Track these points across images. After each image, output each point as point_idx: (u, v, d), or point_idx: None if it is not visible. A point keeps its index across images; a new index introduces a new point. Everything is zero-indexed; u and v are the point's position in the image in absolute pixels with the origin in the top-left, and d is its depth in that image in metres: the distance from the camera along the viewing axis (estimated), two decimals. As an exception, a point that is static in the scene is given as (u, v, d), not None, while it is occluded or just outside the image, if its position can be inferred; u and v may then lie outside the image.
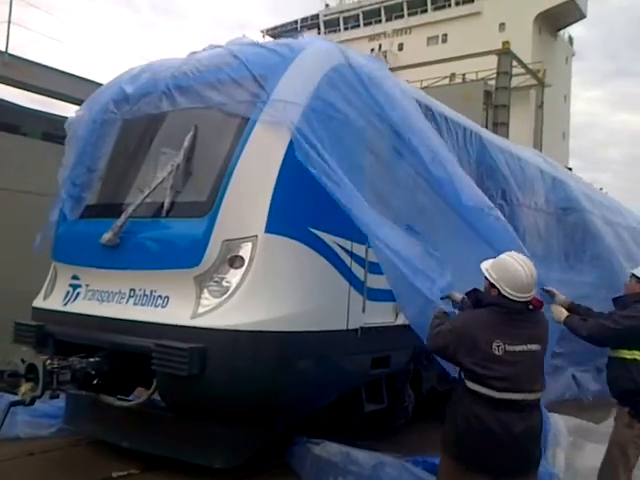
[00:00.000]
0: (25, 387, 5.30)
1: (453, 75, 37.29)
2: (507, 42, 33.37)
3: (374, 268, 6.27)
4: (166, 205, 5.78)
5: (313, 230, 5.65)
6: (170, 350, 5.13)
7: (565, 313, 4.87)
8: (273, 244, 5.43)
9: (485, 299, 4.00)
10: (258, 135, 5.58)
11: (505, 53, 33.24)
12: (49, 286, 6.72)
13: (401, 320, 6.68)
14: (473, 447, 3.75)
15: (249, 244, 5.39)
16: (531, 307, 3.97)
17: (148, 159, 6.49)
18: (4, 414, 5.38)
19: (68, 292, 6.34)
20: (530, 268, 3.95)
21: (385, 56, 44.20)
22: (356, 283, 6.05)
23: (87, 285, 6.20)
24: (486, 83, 34.01)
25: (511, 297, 3.84)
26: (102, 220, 6.23)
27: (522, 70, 36.50)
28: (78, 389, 5.69)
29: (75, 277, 6.33)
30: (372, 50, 46.69)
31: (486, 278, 4.03)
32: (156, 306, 5.62)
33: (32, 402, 5.34)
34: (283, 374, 5.42)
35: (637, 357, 4.66)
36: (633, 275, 5.10)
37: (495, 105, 32.33)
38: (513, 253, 4.12)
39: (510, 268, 3.94)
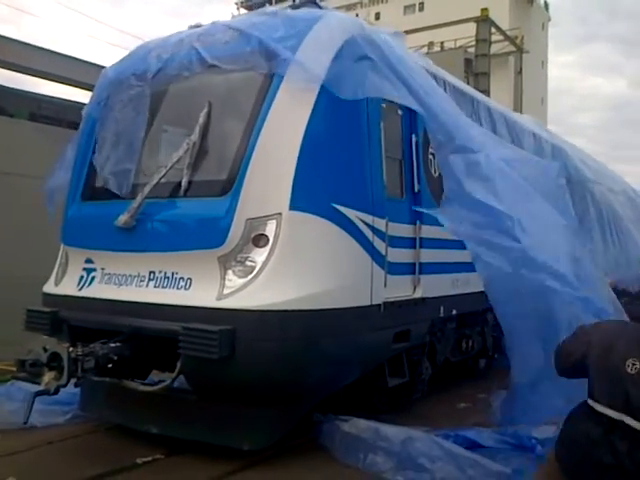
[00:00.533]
0: (48, 376, 5.15)
1: (431, 44, 36.92)
2: (486, 9, 33.19)
3: (394, 242, 6.22)
4: (184, 184, 5.63)
5: (336, 205, 5.53)
6: (199, 333, 5.02)
7: None
8: (297, 221, 5.31)
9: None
10: (277, 110, 5.43)
11: (484, 20, 33.06)
12: (59, 271, 6.54)
13: (419, 293, 6.66)
14: (575, 463, 3.49)
15: (273, 222, 5.27)
16: None
17: (160, 137, 6.32)
18: (30, 405, 5.25)
19: (82, 276, 6.17)
20: None
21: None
22: (378, 258, 5.96)
23: (103, 269, 6.03)
24: (466, 51, 33.81)
25: None
26: (115, 202, 6.06)
27: (500, 37, 36.33)
28: (100, 376, 5.56)
29: (89, 261, 6.16)
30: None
31: None
32: (178, 288, 5.48)
33: (56, 391, 5.20)
34: (312, 353, 5.35)
35: None
36: None
37: (475, 73, 32.23)
38: None
39: None
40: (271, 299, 5.11)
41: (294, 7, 6.89)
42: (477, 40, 32.13)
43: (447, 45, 35.85)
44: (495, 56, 34.19)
